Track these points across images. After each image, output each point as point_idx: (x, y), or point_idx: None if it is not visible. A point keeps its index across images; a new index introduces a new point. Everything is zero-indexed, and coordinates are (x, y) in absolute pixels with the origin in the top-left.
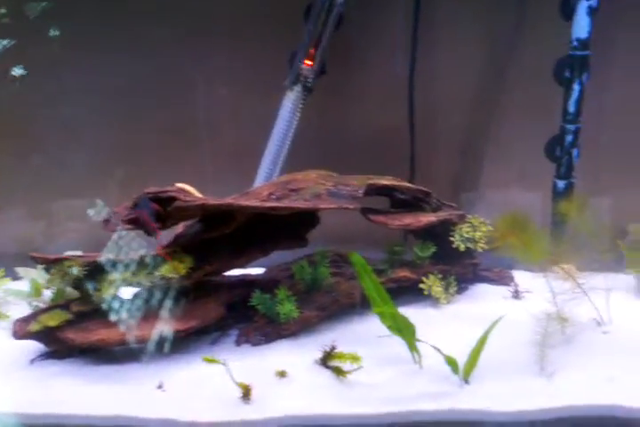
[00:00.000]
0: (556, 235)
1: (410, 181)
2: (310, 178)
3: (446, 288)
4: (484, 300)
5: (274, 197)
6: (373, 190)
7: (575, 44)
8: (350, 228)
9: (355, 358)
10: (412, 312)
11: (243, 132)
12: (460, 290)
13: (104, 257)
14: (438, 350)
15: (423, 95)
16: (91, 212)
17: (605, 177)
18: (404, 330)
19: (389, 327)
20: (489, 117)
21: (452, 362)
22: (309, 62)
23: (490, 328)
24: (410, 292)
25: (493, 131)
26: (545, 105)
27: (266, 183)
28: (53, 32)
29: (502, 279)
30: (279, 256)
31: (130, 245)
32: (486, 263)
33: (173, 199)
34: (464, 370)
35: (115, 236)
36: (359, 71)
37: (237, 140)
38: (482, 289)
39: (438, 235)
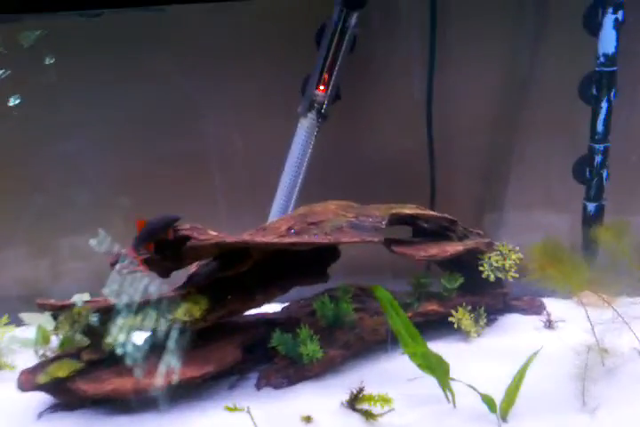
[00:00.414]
0: (588, 260)
1: (431, 207)
2: (330, 209)
3: (476, 321)
4: (516, 331)
5: (292, 231)
6: (396, 220)
7: (602, 59)
8: (371, 259)
9: (385, 400)
10: (441, 347)
11: (256, 162)
12: (490, 321)
13: (115, 301)
14: (473, 388)
15: (442, 117)
16: (93, 242)
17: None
18: (437, 368)
19: (420, 366)
20: (511, 138)
21: (488, 400)
22: (323, 88)
23: (527, 363)
24: (438, 325)
25: (516, 151)
26: (570, 124)
27: (283, 217)
28: (49, 60)
29: (533, 308)
30: (297, 290)
31: (133, 282)
32: (514, 290)
33: (187, 238)
34: (501, 408)
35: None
36: (376, 95)
37: (251, 171)
38: (512, 320)
39: (465, 264)
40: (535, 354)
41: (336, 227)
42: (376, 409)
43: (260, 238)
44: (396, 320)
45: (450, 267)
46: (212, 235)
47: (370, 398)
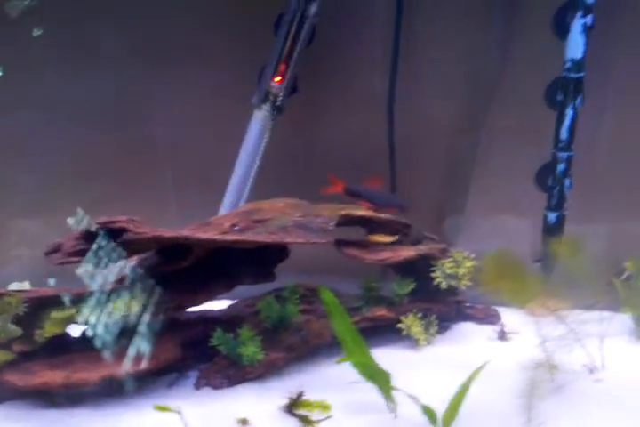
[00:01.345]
0: (546, 270)
1: None
2: (277, 207)
3: (426, 328)
4: (468, 341)
5: (236, 228)
6: (347, 221)
7: (569, 64)
8: (325, 258)
9: (324, 407)
10: (388, 354)
11: (211, 153)
12: (442, 329)
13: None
14: (415, 398)
15: (404, 118)
16: (70, 221)
17: (602, 208)
18: (378, 377)
19: (361, 373)
20: (475, 141)
21: (429, 412)
22: (279, 79)
23: (472, 376)
24: (387, 331)
25: (480, 155)
26: (536, 130)
27: (228, 213)
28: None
29: (488, 318)
30: (248, 288)
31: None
32: (472, 297)
33: (124, 230)
34: (443, 420)
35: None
36: (335, 90)
37: (205, 162)
38: (465, 329)
39: (419, 270)
40: (481, 367)
41: (282, 226)
42: (314, 416)
43: (201, 234)
44: (341, 325)
45: (404, 272)
46: (150, 228)
47: (308, 404)
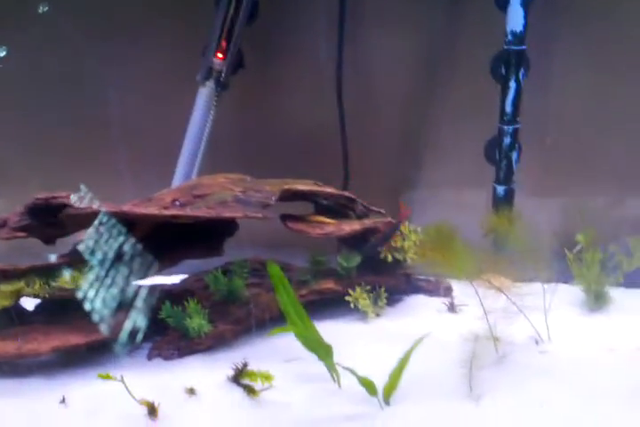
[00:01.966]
0: (497, 243)
1: (344, 184)
2: (218, 183)
3: (375, 301)
4: (417, 313)
5: (177, 203)
6: (291, 196)
7: (510, 37)
8: (284, 232)
9: (266, 377)
10: (337, 327)
11: (161, 130)
12: (393, 302)
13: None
14: (351, 370)
15: (353, 94)
16: (74, 197)
17: (554, 181)
18: (319, 349)
19: (304, 345)
20: (426, 116)
21: (367, 383)
22: (221, 55)
23: (412, 347)
24: (337, 304)
25: (431, 130)
26: (485, 103)
27: (171, 188)
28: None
29: (440, 290)
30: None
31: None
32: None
33: (65, 206)
34: (384, 391)
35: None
36: (284, 66)
37: (156, 140)
38: (417, 301)
39: (367, 243)
40: (421, 339)
41: (221, 201)
42: (258, 385)
43: (139, 209)
44: (284, 298)
45: (353, 245)
46: (91, 204)
47: (252, 375)
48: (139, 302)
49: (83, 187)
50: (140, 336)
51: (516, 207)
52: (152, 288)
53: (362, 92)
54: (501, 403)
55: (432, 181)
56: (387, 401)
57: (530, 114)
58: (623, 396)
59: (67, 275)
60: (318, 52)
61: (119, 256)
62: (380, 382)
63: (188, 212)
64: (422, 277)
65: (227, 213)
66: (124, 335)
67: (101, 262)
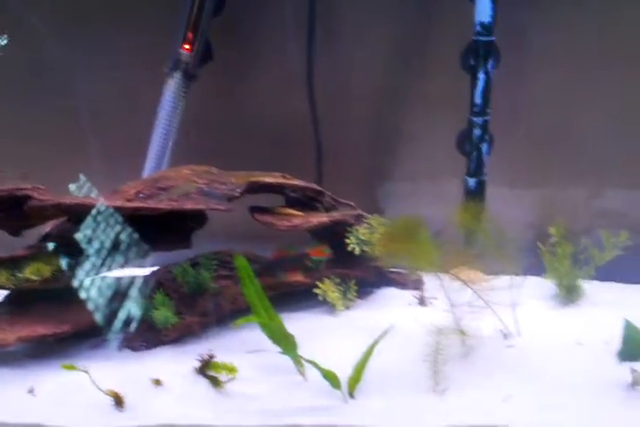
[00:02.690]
0: (468, 237)
1: (318, 176)
2: (182, 175)
3: (345, 293)
4: (387, 306)
5: (142, 195)
6: (257, 189)
7: (478, 28)
8: (260, 225)
9: (230, 369)
10: (305, 319)
11: (132, 121)
12: (364, 295)
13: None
14: (314, 363)
15: (325, 86)
16: (72, 187)
17: (531, 173)
18: (284, 341)
19: (269, 337)
20: (400, 107)
21: (330, 376)
22: (188, 47)
23: (376, 340)
24: (306, 297)
25: (405, 121)
26: (460, 95)
27: (136, 181)
28: None
29: (412, 283)
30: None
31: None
32: None
33: (29, 198)
34: (349, 383)
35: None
36: (255, 58)
37: (127, 131)
38: (388, 294)
39: (338, 236)
40: (386, 331)
41: (184, 193)
42: (223, 377)
43: (104, 202)
44: (250, 290)
45: (322, 238)
46: (53, 196)
47: (217, 366)
48: (133, 292)
49: (82, 177)
50: (134, 326)
51: (493, 200)
52: (147, 278)
53: (333, 83)
54: (466, 397)
55: (406, 172)
56: (351, 394)
57: (504, 106)
58: (589, 390)
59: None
60: (288, 43)
61: (115, 245)
62: (347, 375)
63: (151, 204)
64: (394, 270)
65: (189, 206)
66: (117, 325)
67: (97, 251)
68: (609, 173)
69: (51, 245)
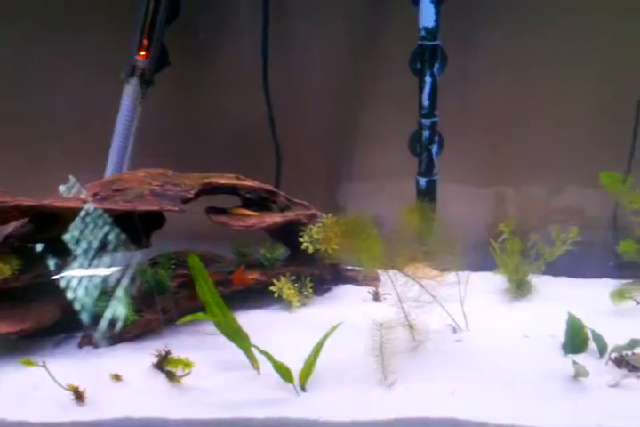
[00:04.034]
0: (422, 234)
1: (277, 177)
2: (137, 177)
3: (300, 291)
4: (342, 302)
5: (98, 197)
6: (211, 190)
7: (423, 33)
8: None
9: (186, 364)
10: (261, 316)
11: (92, 126)
12: (321, 292)
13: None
14: (268, 355)
15: (281, 86)
16: (62, 188)
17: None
18: (236, 337)
19: (222, 333)
20: (357, 109)
21: (281, 369)
22: (144, 53)
23: (326, 334)
24: (263, 295)
25: (362, 123)
26: (413, 96)
27: (93, 183)
28: None
29: (368, 280)
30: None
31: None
32: None
33: None
34: (300, 377)
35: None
36: (211, 63)
37: (87, 136)
38: (344, 291)
39: (294, 235)
40: (336, 326)
41: (138, 195)
42: (179, 372)
43: (59, 203)
44: (204, 288)
45: (279, 237)
46: (11, 197)
47: (173, 361)
48: (119, 292)
49: (71, 178)
50: (119, 325)
51: (450, 198)
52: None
53: (289, 85)
54: (413, 390)
55: (363, 172)
56: (303, 387)
57: (458, 106)
58: (532, 380)
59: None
60: (243, 46)
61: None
62: (299, 369)
63: (106, 205)
64: (350, 268)
65: (143, 207)
66: (103, 324)
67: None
68: (562, 171)
69: (39, 246)
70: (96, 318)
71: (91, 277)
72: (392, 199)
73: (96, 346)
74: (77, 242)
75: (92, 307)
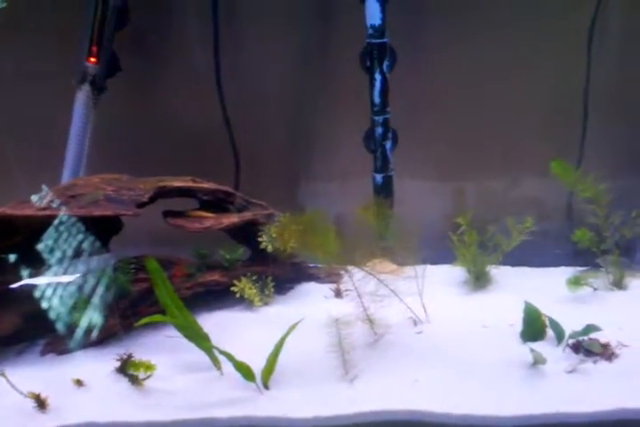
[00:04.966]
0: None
1: (236, 180)
2: (92, 183)
3: (262, 290)
4: (305, 300)
5: (53, 204)
6: (167, 193)
7: (370, 31)
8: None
9: (148, 367)
10: (224, 317)
11: (48, 134)
12: (284, 290)
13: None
14: (229, 355)
15: (235, 89)
16: (34, 197)
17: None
18: (197, 338)
19: (183, 334)
20: (310, 108)
21: (242, 368)
22: (94, 60)
23: (287, 332)
24: (225, 296)
25: (316, 122)
26: (365, 95)
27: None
28: None
29: (330, 277)
30: None
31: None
32: None
33: None
34: (262, 375)
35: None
36: (164, 65)
37: (44, 143)
38: (306, 288)
39: (252, 235)
40: (296, 324)
41: (93, 200)
42: (142, 375)
43: (13, 211)
44: (163, 292)
45: (239, 238)
46: None
47: (135, 365)
48: (95, 299)
49: (44, 187)
50: (95, 333)
51: (410, 193)
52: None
53: (243, 87)
54: (375, 383)
55: (322, 171)
56: (266, 385)
57: (409, 104)
58: (493, 370)
59: None
60: (195, 50)
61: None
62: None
63: (61, 212)
64: (312, 266)
65: (97, 212)
66: (79, 332)
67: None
68: (518, 163)
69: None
70: (58, 325)
71: (51, 284)
72: (352, 197)
73: (59, 353)
74: (37, 250)
75: (54, 314)
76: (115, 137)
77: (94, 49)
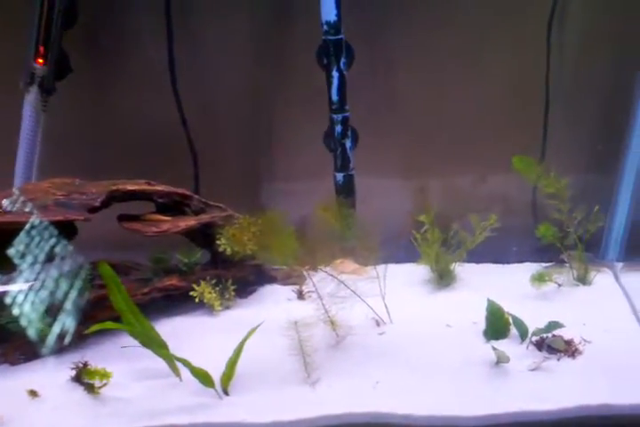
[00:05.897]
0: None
1: (195, 181)
2: (41, 188)
3: (222, 294)
4: (267, 303)
5: (2, 210)
6: (121, 196)
7: (326, 27)
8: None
9: (103, 375)
10: (183, 322)
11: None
12: (246, 293)
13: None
14: (185, 362)
15: (190, 88)
16: (5, 202)
17: (405, 164)
18: (153, 344)
19: (140, 342)
20: (268, 108)
21: (200, 374)
22: (42, 61)
23: (246, 336)
24: (184, 300)
25: (275, 121)
26: (324, 93)
27: None
28: None
29: (293, 279)
30: None
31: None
32: None
33: None
34: (222, 381)
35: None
36: (118, 67)
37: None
38: (269, 291)
39: (211, 238)
40: (256, 327)
41: (42, 205)
42: (98, 383)
43: None
44: (117, 297)
45: (198, 241)
46: None
47: (90, 373)
48: (68, 305)
49: (16, 191)
50: (68, 339)
51: (374, 192)
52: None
53: (199, 87)
54: (337, 385)
55: (284, 171)
56: (225, 391)
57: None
58: (455, 369)
59: None
60: (148, 49)
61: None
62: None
63: (8, 218)
64: (274, 268)
65: (46, 218)
66: (51, 339)
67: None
68: (481, 159)
69: None
70: (11, 334)
71: (4, 292)
72: (316, 197)
73: (13, 363)
74: None
75: (6, 323)
76: (68, 140)
77: (41, 49)
